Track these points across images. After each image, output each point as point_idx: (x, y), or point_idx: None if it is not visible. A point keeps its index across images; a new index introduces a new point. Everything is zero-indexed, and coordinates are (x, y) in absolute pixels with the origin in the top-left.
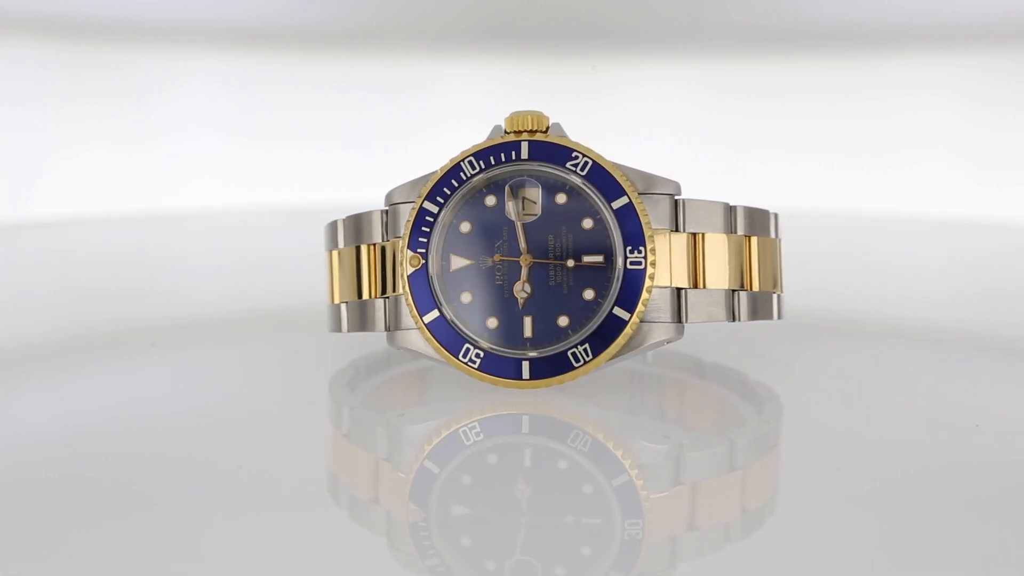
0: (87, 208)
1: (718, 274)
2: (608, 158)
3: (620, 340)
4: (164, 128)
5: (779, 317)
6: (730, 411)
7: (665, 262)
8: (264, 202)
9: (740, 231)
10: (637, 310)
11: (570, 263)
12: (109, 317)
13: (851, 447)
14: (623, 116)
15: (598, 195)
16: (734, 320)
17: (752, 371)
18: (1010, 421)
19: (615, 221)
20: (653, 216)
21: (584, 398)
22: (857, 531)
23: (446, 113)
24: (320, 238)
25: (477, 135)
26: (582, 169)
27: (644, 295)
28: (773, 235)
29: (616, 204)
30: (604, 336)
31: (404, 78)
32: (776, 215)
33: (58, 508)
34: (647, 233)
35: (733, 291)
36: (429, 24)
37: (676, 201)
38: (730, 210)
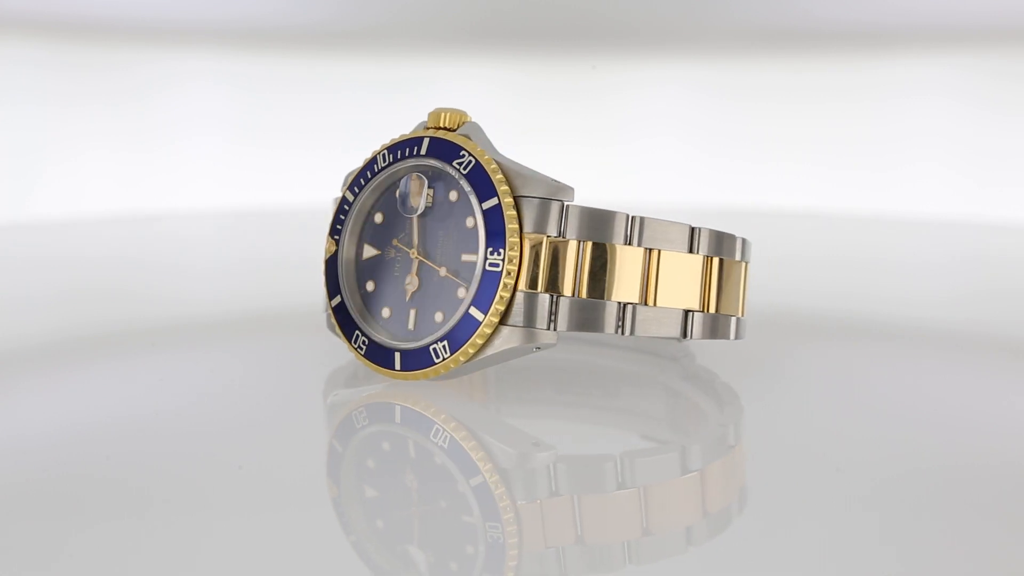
0: (87, 208)
1: (608, 284)
2: (518, 161)
3: (476, 340)
4: (164, 128)
5: (690, 337)
6: (684, 419)
7: (543, 268)
8: (264, 202)
9: (644, 244)
10: (492, 310)
11: (442, 271)
12: (109, 317)
13: (838, 447)
14: (623, 116)
15: (474, 195)
16: (619, 332)
17: (744, 372)
18: (1009, 421)
19: (483, 221)
20: (548, 222)
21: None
22: (860, 537)
23: None
24: (321, 238)
25: None
26: (465, 168)
27: (502, 295)
28: (701, 252)
29: (486, 205)
30: (460, 335)
31: (404, 78)
32: (700, 230)
33: (58, 508)
34: (509, 236)
35: (626, 304)
36: (429, 24)
37: (565, 207)
38: (632, 221)
